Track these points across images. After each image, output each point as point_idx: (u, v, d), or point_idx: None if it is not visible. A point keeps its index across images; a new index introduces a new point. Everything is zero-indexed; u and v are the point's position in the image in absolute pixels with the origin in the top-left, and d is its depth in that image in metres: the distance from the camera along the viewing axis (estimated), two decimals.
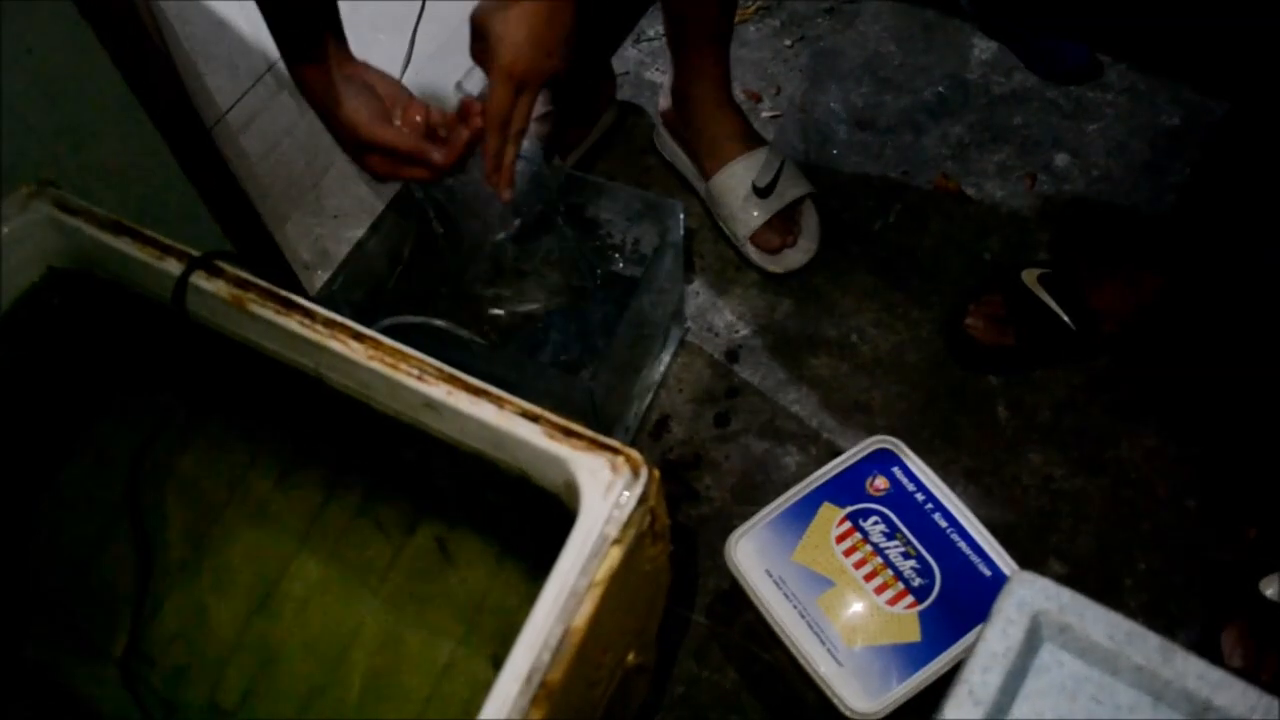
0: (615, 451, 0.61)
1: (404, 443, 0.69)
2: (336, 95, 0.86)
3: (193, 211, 1.03)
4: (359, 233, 1.19)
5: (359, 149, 0.87)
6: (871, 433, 0.98)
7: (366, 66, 0.89)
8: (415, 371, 0.65)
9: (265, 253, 1.13)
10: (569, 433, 0.62)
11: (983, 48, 1.47)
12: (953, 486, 0.94)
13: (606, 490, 0.60)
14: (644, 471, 0.60)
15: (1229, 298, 1.16)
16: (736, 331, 1.21)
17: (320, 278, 1.23)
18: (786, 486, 0.95)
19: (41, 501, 0.79)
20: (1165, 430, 1.10)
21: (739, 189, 1.22)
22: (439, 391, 0.64)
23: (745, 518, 0.93)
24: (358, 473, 0.79)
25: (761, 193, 1.21)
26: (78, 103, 0.88)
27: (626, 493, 0.59)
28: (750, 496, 1.08)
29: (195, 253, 0.72)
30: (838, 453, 0.98)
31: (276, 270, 1.14)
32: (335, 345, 0.67)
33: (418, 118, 0.88)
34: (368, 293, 1.05)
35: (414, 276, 1.09)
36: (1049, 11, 0.99)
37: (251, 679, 0.76)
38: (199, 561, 0.79)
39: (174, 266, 0.71)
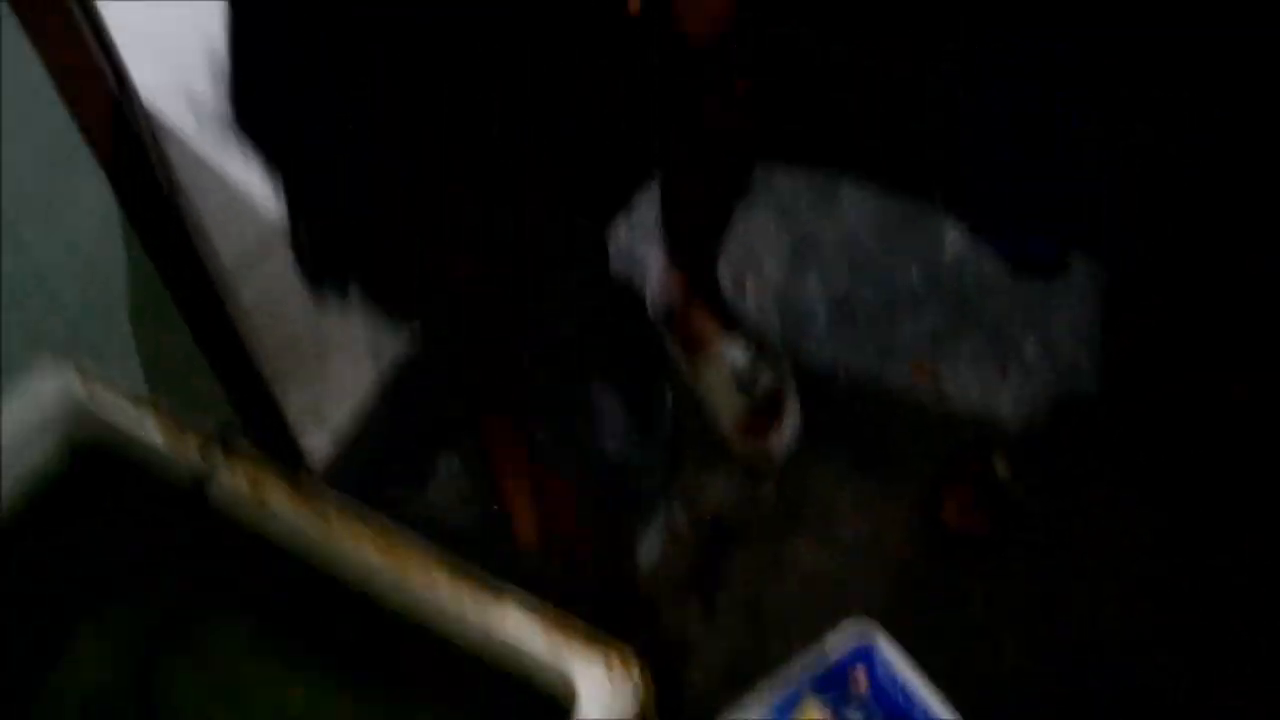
0: (609, 646, 0.64)
1: (403, 634, 0.70)
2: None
3: (201, 379, 1.07)
4: (360, 396, 1.22)
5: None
6: (852, 616, 1.00)
7: None
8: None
9: (268, 417, 1.16)
10: (564, 626, 0.65)
11: (955, 238, 1.53)
12: (934, 677, 0.95)
13: (602, 688, 0.62)
14: (636, 671, 0.63)
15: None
16: (720, 515, 1.23)
17: (320, 437, 1.25)
18: (770, 670, 0.96)
19: (46, 686, 0.78)
20: (1151, 622, 1.12)
21: (719, 382, 1.26)
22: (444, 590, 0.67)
23: (730, 704, 0.94)
24: (354, 669, 0.79)
25: (742, 384, 1.25)
26: (106, 280, 0.93)
27: (620, 691, 0.62)
28: (734, 683, 1.06)
29: (212, 432, 0.75)
30: (820, 637, 0.99)
31: (278, 434, 1.17)
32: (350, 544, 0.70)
33: None
34: (373, 463, 1.08)
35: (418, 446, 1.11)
36: (1042, 20, 1.01)
37: None
38: None
39: (191, 446, 0.74)
